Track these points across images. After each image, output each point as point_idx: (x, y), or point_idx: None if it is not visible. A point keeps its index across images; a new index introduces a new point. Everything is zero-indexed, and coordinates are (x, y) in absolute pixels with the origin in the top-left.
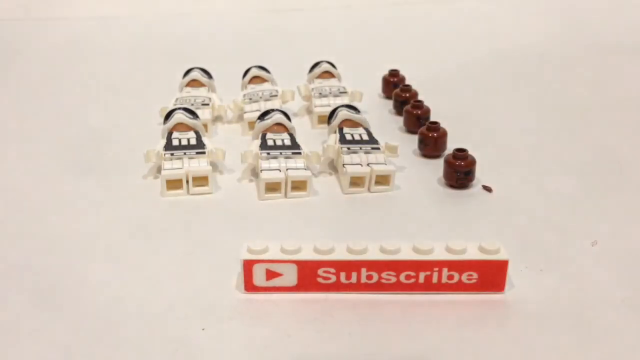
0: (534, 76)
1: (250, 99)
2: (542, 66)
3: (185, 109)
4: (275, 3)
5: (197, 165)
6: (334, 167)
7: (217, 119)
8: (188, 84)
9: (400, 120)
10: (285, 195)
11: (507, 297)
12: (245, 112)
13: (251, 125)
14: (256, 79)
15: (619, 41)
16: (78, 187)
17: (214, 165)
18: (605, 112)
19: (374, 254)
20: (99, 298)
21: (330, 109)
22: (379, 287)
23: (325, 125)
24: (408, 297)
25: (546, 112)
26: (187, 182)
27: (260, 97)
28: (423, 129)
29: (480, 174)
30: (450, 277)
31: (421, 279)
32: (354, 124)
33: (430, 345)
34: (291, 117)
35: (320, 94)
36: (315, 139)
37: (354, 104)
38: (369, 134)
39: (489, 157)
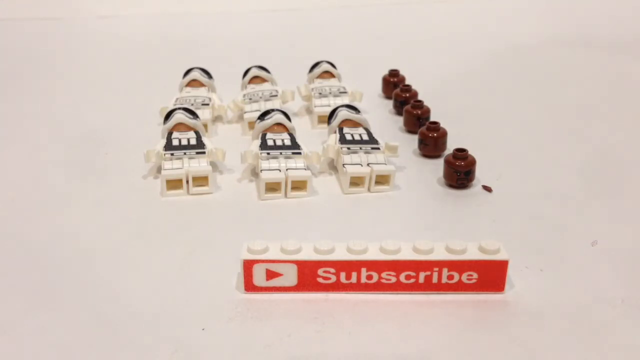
0: (534, 76)
1: (250, 99)
2: (542, 66)
3: (185, 109)
4: (275, 3)
5: (197, 165)
6: (334, 167)
7: (217, 119)
8: (188, 84)
9: (400, 120)
10: (285, 195)
11: (507, 297)
12: (245, 112)
13: (251, 125)
14: (256, 79)
15: (620, 40)
16: (78, 187)
17: (214, 165)
18: (605, 112)
19: (374, 254)
20: (99, 298)
21: (330, 109)
22: (379, 287)
23: (325, 125)
24: (408, 297)
25: (546, 112)
26: (187, 182)
27: (260, 97)
28: (423, 129)
29: (480, 174)
30: (450, 277)
31: (421, 279)
32: (354, 124)
33: (430, 345)
34: (291, 117)
35: (320, 94)
36: (315, 139)
37: (354, 104)
38: (369, 134)
39: (489, 157)
